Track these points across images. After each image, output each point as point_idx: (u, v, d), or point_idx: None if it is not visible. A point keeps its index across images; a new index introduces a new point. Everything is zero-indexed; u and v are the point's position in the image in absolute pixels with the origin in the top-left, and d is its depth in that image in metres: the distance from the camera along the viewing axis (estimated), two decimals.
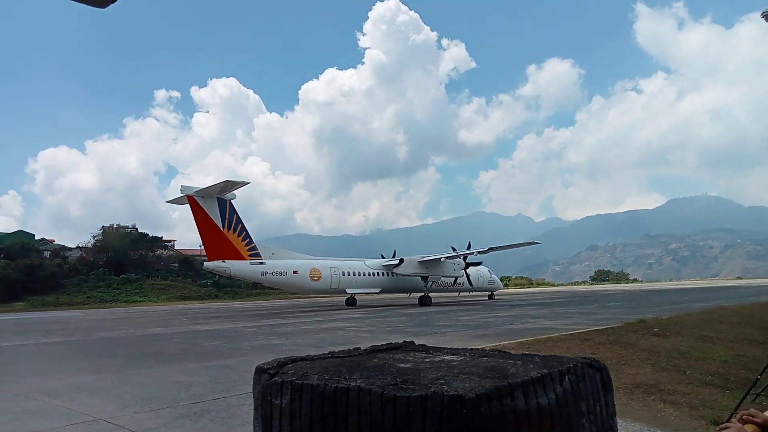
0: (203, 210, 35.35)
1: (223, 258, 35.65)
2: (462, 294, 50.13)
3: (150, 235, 79.86)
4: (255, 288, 74.81)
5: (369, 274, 42.68)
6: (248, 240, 37.17)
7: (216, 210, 35.68)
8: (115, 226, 77.28)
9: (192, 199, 35.03)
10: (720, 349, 14.21)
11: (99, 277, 66.07)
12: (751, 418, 3.35)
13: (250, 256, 36.83)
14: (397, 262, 42.94)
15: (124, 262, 71.67)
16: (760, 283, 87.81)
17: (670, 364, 12.19)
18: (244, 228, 37.06)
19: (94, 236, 74.72)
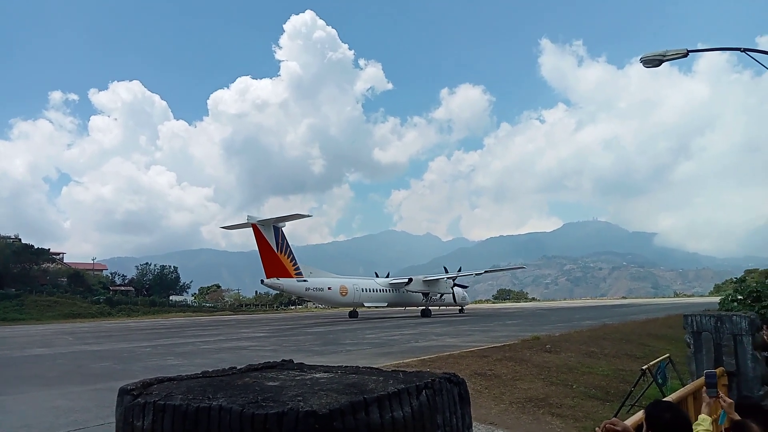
0: (263, 236, 42.85)
1: (277, 276, 42.84)
2: (440, 308, 56.48)
3: (35, 247, 73.49)
4: (152, 306, 71.02)
5: (379, 291, 50.42)
6: (294, 261, 44.78)
7: (272, 236, 43.27)
8: None
9: (255, 227, 43.04)
10: (603, 364, 15.35)
11: None
12: (612, 426, 3.68)
13: (296, 274, 44.49)
14: (406, 280, 51.39)
15: (3, 276, 65.20)
16: (641, 303, 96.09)
17: (559, 378, 12.99)
18: (291, 251, 44.80)
19: None
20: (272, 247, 43.07)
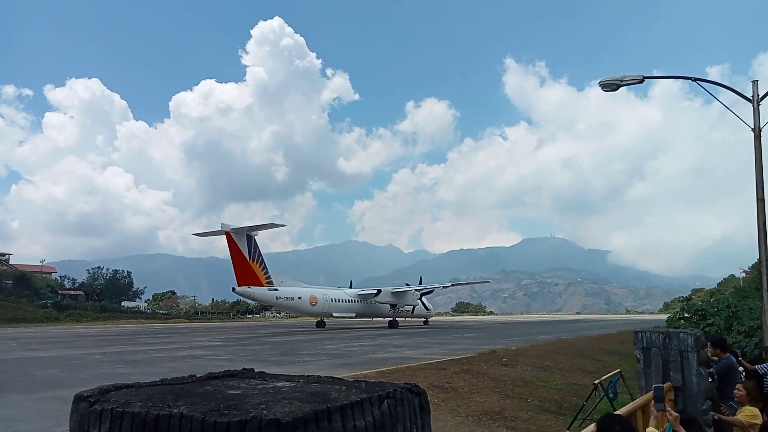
0: (236, 244, 43.13)
1: (249, 284, 43.13)
2: (407, 319, 56.76)
3: None
4: (103, 311, 68.65)
5: (348, 301, 50.96)
6: (266, 270, 45.15)
7: (245, 244, 43.54)
8: None
9: (229, 235, 43.15)
10: (557, 378, 15.68)
11: None
12: None
13: (267, 282, 44.81)
14: (375, 292, 52.00)
15: None
16: (594, 319, 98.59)
17: (514, 392, 13.20)
18: (263, 260, 45.11)
19: None
20: (245, 256, 43.49)
